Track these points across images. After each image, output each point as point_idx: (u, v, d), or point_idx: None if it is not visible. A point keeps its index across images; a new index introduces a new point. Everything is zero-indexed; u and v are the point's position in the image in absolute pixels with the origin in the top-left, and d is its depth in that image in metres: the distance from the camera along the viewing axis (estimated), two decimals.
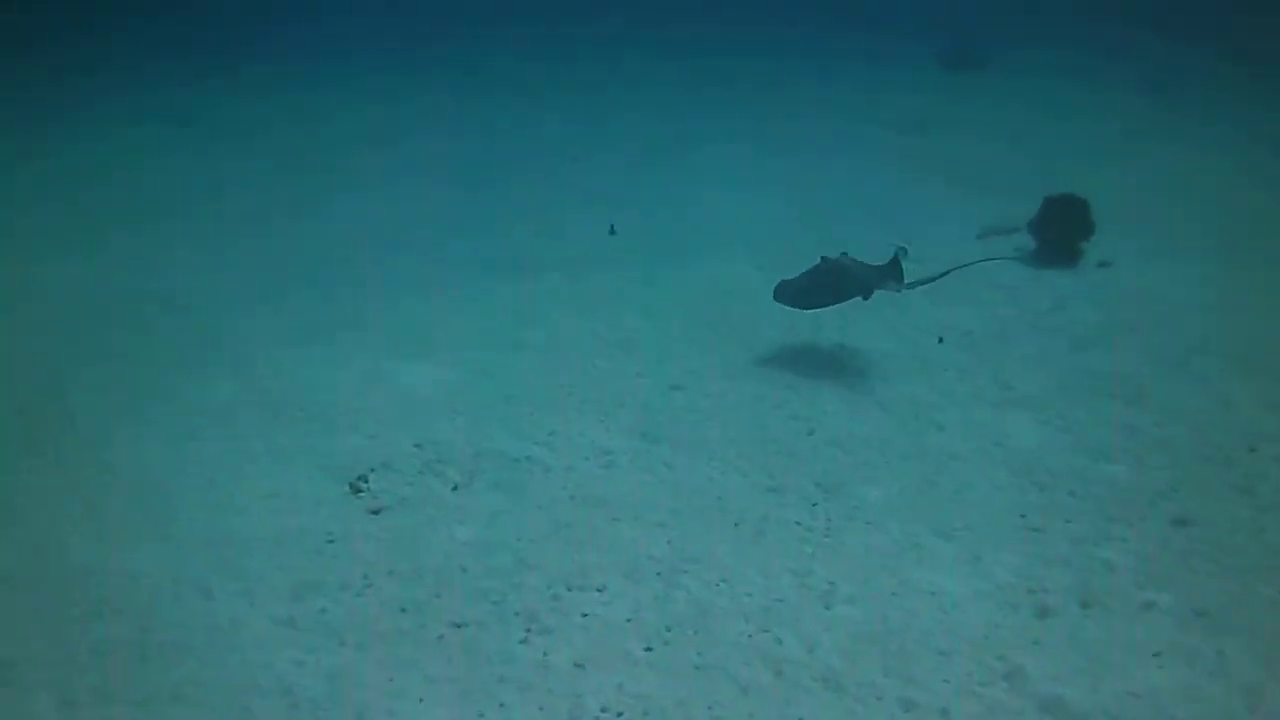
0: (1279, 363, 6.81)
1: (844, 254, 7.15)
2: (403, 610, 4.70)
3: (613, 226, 9.81)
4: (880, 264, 7.00)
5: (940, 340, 7.37)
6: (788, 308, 7.07)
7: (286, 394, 6.70)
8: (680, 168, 12.16)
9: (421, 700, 4.18)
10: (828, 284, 6.95)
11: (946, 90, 16.47)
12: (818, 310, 7.06)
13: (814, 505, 5.45)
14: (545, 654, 4.42)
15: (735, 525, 5.29)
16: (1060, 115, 14.39)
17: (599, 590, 4.81)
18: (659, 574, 4.89)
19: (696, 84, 16.99)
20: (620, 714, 4.10)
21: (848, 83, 16.88)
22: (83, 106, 15.55)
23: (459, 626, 4.59)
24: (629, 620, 4.60)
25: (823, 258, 7.12)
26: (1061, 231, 9.02)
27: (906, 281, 6.93)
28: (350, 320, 7.86)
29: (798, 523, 5.30)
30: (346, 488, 5.61)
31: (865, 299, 6.85)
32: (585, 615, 4.65)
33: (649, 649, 4.44)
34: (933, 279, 7.20)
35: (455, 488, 5.63)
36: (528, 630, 4.56)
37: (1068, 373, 6.84)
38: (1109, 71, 17.36)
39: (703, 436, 6.09)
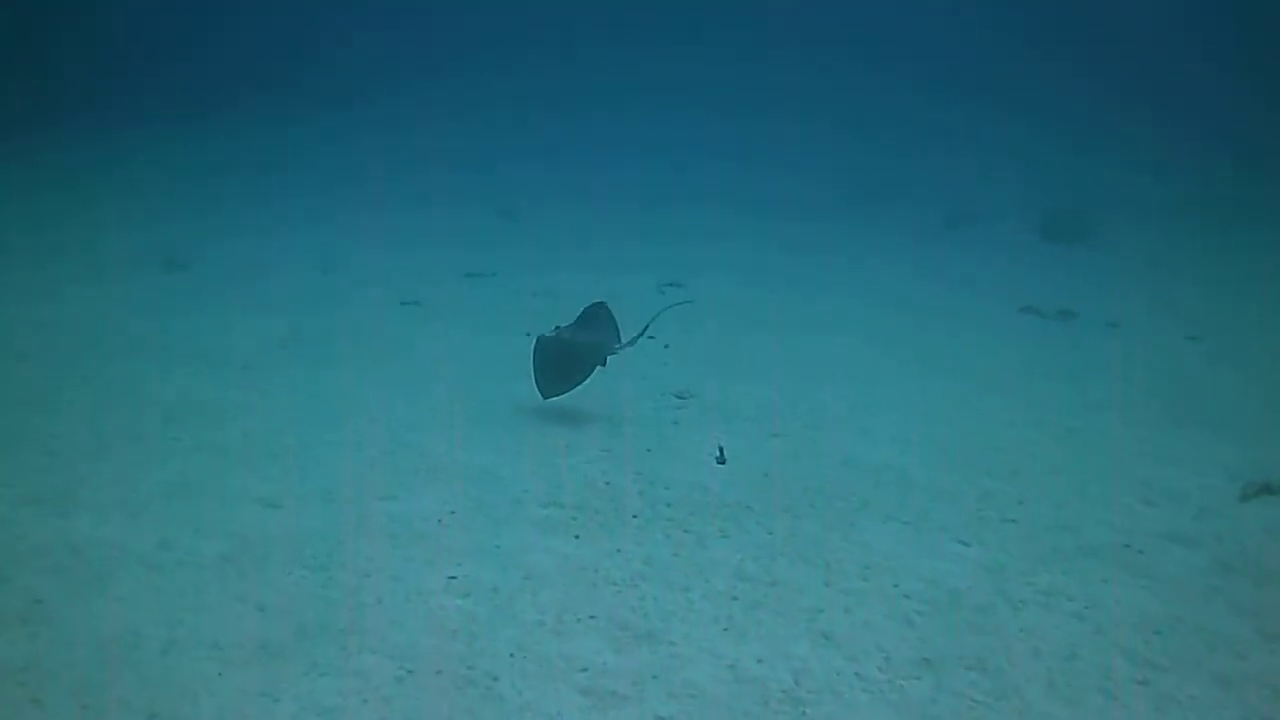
0: None
1: (557, 328, 7.41)
2: None
3: (721, 451, 6.79)
4: (595, 328, 7.38)
5: None
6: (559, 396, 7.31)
7: None
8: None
9: None
10: (571, 364, 7.27)
11: (1065, 266, 13.68)
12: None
13: None
14: None
15: None
16: (1238, 298, 11.55)
17: None
18: None
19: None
20: None
21: (952, 263, 14.02)
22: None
23: None
24: None
25: (539, 337, 7.38)
26: None
27: (620, 345, 7.39)
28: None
29: None
30: None
31: (603, 366, 7.34)
32: None
33: None
34: (641, 333, 7.45)
35: None
36: None
37: None
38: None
39: None
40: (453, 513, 6.00)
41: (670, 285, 12.05)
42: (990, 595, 5.29)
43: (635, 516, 6.02)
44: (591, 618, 4.94)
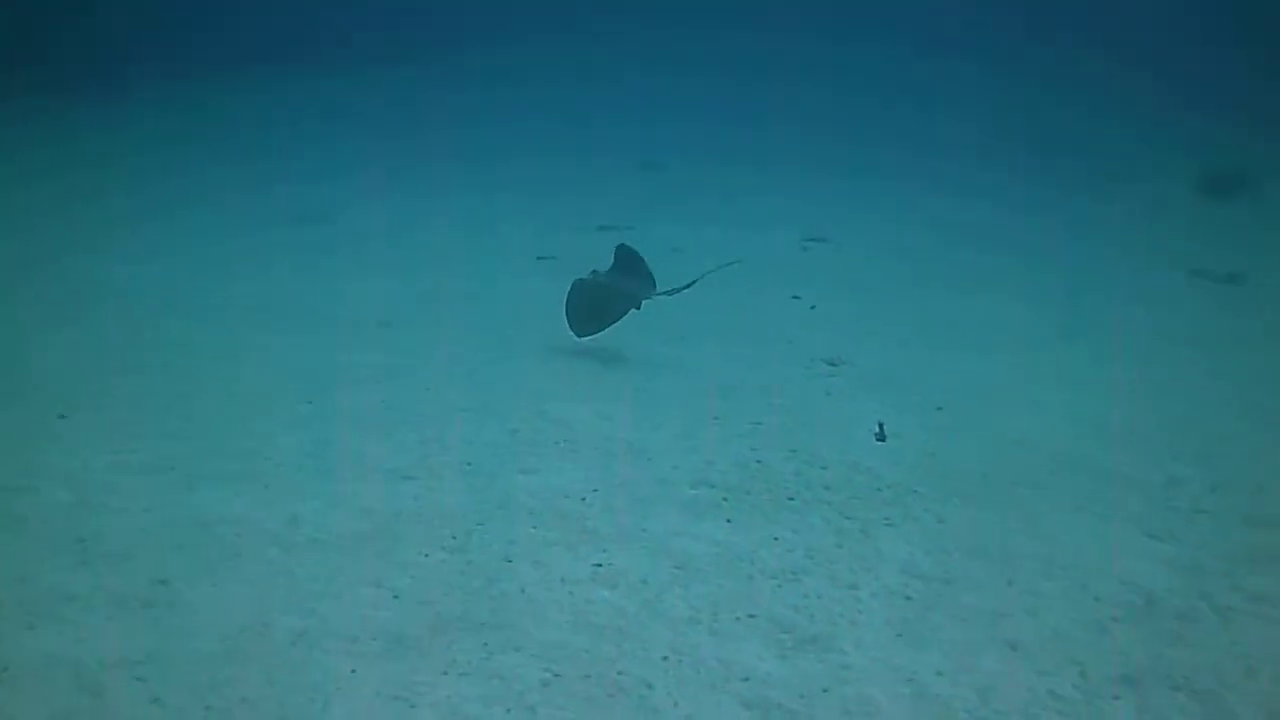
0: None
1: (594, 272, 7.55)
2: None
3: (881, 427, 6.31)
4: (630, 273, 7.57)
5: None
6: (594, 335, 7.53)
7: None
8: None
9: None
10: (604, 304, 7.44)
11: (1230, 226, 12.75)
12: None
13: None
14: None
15: None
16: None
17: None
18: None
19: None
20: None
21: (1108, 220, 13.10)
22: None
23: None
24: None
25: (577, 280, 7.52)
26: None
27: (660, 290, 7.51)
28: None
29: None
30: None
31: (638, 309, 7.47)
32: None
33: None
34: (686, 286, 7.61)
35: None
36: None
37: None
38: None
39: None
40: (595, 490, 5.61)
41: (813, 241, 11.49)
42: (1192, 600, 4.76)
43: (791, 499, 5.58)
44: (751, 616, 4.53)
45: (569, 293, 7.61)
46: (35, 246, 10.14)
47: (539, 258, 10.44)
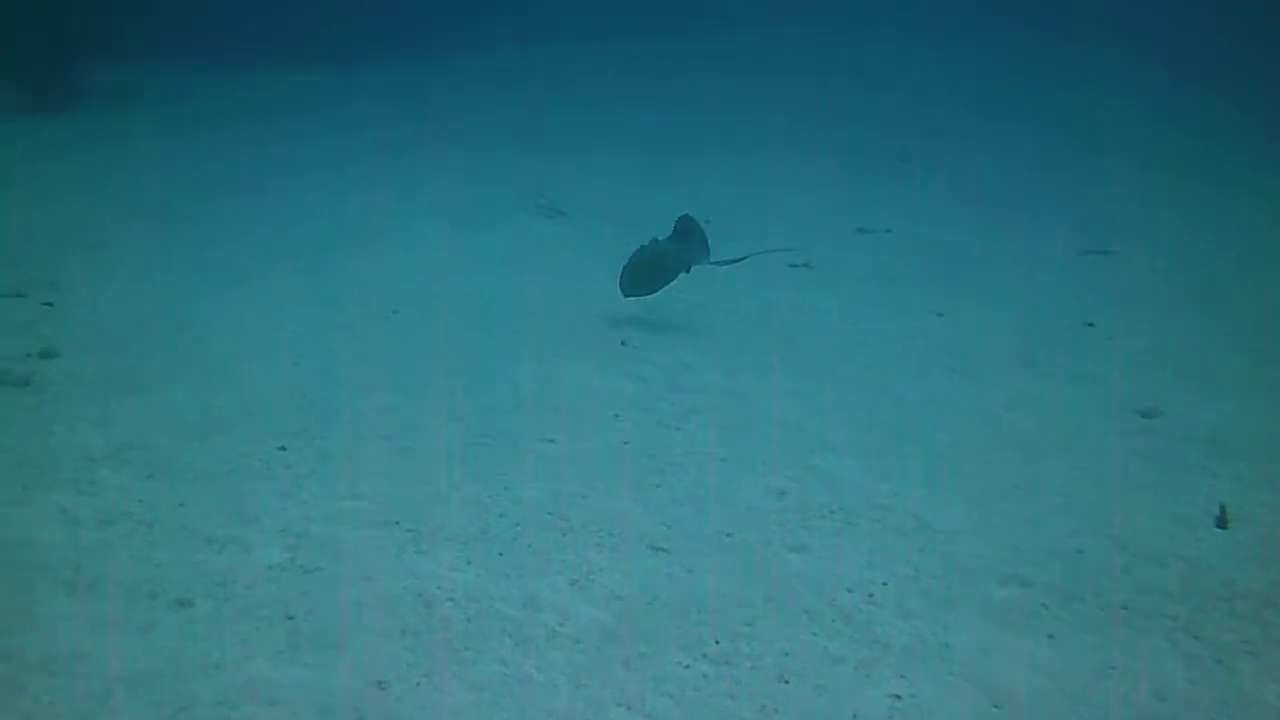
0: None
1: (655, 239, 7.74)
2: None
3: (1222, 510, 5.18)
4: (688, 240, 7.72)
5: None
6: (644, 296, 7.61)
7: None
8: None
9: None
10: (656, 268, 7.61)
11: None
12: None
13: None
14: None
15: None
16: None
17: None
18: None
19: None
20: None
21: None
22: None
23: None
24: None
25: (640, 247, 7.72)
26: None
27: (712, 260, 7.66)
28: None
29: None
30: None
31: (687, 273, 7.61)
32: None
33: None
34: (735, 260, 7.78)
35: None
36: None
37: None
38: None
39: None
40: (884, 584, 4.68)
41: (1095, 252, 10.22)
42: None
43: (1125, 609, 4.56)
44: None
45: (630, 257, 7.68)
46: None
47: (791, 265, 9.48)
